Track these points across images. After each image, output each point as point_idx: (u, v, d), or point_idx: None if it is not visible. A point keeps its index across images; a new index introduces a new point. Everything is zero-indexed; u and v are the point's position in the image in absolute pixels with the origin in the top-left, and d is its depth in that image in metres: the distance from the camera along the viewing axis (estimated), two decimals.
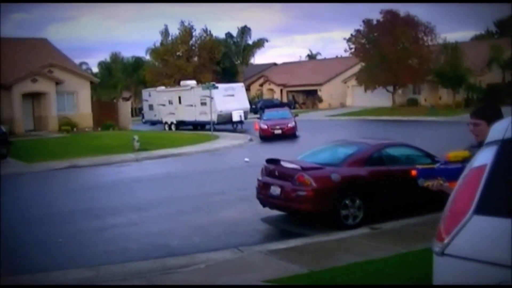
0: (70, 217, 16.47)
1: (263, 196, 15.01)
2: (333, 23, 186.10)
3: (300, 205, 13.90)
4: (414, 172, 6.07)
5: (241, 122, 51.60)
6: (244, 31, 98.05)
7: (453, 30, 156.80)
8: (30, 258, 12.32)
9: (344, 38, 75.57)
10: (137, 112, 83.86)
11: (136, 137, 35.62)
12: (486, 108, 6.42)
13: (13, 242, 13.58)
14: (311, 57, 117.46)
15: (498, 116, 5.89)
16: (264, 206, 15.11)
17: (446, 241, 4.17)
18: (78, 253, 12.57)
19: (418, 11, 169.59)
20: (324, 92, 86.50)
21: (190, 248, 12.57)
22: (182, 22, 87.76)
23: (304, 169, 14.05)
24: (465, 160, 5.47)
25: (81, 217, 16.36)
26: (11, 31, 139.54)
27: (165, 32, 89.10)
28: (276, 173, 14.75)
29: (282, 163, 14.95)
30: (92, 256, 12.19)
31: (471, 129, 6.25)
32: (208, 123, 48.41)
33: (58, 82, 49.93)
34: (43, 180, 25.98)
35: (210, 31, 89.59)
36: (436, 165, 6.13)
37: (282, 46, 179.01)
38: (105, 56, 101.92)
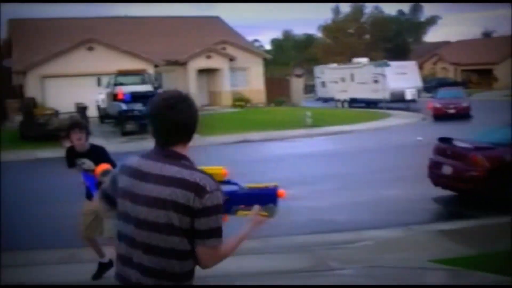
0: None
1: (435, 175, 14.71)
2: None
3: (472, 185, 13.52)
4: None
5: (413, 100, 50.70)
6: (416, 8, 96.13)
7: None
8: None
9: None
10: (308, 89, 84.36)
11: (308, 113, 35.94)
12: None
13: None
14: (486, 35, 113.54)
15: None
16: (435, 185, 14.81)
17: None
18: None
19: None
20: (500, 71, 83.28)
21: (356, 224, 12.56)
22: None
23: (477, 148, 13.67)
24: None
25: None
26: (185, 10, 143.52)
27: (337, 10, 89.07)
28: (448, 152, 14.42)
29: (455, 142, 14.61)
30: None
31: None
32: (381, 101, 47.98)
33: (231, 59, 51.09)
34: (213, 153, 26.80)
35: (381, 9, 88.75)
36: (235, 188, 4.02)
37: (453, 24, 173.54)
38: (277, 34, 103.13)
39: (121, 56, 44.36)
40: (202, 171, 3.56)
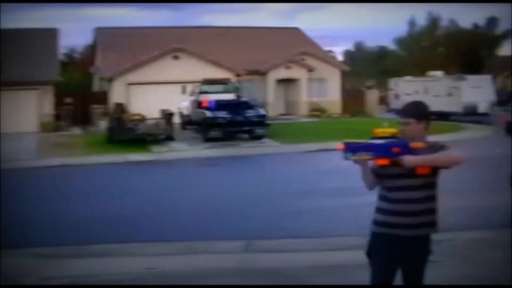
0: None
1: None
2: None
3: None
4: (341, 147, 5.69)
5: (485, 114, 50.72)
6: (492, 21, 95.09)
7: None
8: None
9: None
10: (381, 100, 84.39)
11: (386, 124, 36.41)
12: (414, 105, 6.26)
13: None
14: None
15: (426, 112, 6.09)
16: None
17: None
18: None
19: None
20: None
21: None
22: (429, 13, 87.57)
23: None
24: (393, 136, 5.90)
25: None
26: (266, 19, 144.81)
27: (412, 23, 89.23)
28: None
29: None
30: None
31: (401, 129, 6.09)
32: (453, 114, 48.36)
33: (310, 70, 52.35)
34: (296, 160, 28.10)
35: (456, 22, 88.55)
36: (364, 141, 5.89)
37: None
38: (349, 45, 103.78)
39: (205, 65, 45.97)
40: None
